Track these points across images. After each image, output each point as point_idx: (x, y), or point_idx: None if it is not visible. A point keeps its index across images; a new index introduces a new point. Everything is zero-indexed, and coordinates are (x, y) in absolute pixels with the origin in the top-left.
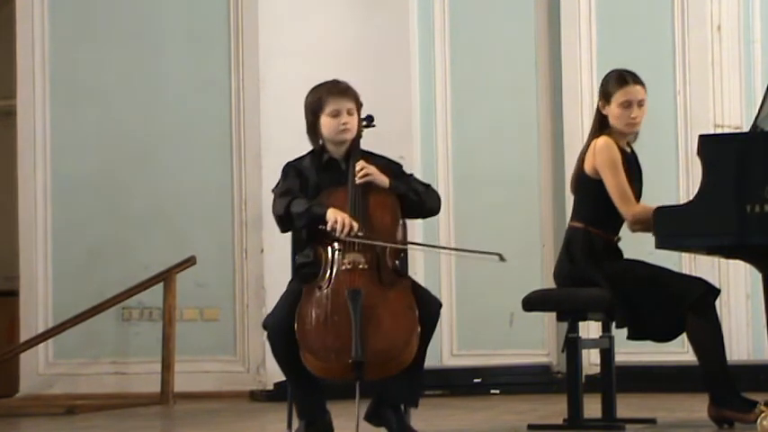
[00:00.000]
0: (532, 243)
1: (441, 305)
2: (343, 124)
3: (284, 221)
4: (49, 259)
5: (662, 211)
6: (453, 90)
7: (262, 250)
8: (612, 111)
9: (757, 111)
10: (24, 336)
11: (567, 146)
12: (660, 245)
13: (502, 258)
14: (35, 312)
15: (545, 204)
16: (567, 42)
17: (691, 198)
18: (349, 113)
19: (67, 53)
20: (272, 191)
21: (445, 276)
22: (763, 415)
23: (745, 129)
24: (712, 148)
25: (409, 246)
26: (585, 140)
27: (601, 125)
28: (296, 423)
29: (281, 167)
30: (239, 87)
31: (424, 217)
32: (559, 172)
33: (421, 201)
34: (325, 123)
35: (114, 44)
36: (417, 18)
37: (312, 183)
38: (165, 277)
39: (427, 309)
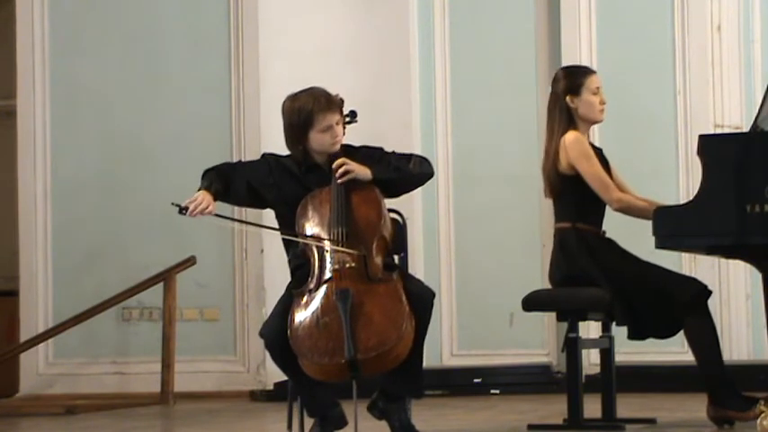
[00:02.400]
0: (532, 243)
1: (434, 294)
2: (334, 137)
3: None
4: (49, 259)
5: (662, 211)
6: (453, 90)
7: (262, 250)
8: (585, 100)
9: (757, 111)
10: (24, 336)
11: None
12: (660, 245)
13: (337, 245)
14: (35, 312)
15: (545, 204)
16: (566, 42)
17: (691, 198)
18: (337, 125)
19: (67, 53)
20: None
21: (445, 276)
22: (762, 415)
23: (745, 129)
24: (712, 148)
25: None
26: (548, 141)
27: (567, 122)
28: (296, 423)
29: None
30: (239, 88)
31: (420, 185)
32: None
33: (406, 175)
34: (316, 139)
35: (114, 45)
36: (417, 18)
37: (289, 182)
38: (165, 277)
39: (420, 300)
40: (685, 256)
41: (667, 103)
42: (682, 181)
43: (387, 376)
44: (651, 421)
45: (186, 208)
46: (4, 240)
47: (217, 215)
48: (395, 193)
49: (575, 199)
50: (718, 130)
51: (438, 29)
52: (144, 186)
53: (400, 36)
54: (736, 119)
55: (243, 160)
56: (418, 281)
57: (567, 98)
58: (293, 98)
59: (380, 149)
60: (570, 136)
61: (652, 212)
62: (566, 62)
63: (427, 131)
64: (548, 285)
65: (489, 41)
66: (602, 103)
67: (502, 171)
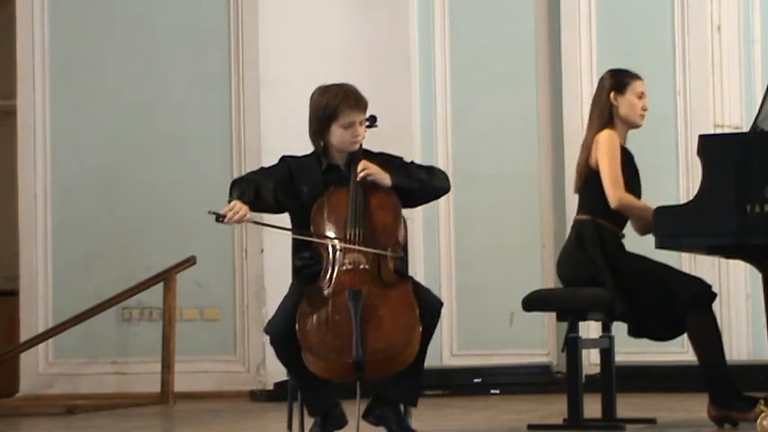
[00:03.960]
0: (532, 243)
1: (442, 304)
2: (355, 136)
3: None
4: (49, 259)
5: (662, 211)
6: (453, 90)
7: (262, 250)
8: (628, 100)
9: (757, 111)
10: (24, 336)
11: (567, 146)
12: (660, 245)
13: (396, 255)
14: (35, 312)
15: (545, 204)
16: (566, 42)
17: (691, 198)
18: (360, 124)
19: (67, 53)
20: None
21: (445, 276)
22: (763, 415)
23: (745, 129)
24: (712, 148)
25: (304, 238)
26: (587, 134)
27: (607, 119)
28: (296, 423)
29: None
30: (239, 87)
31: (437, 198)
32: (559, 171)
33: (425, 187)
34: (337, 134)
35: (114, 44)
36: (417, 18)
37: (311, 183)
38: (165, 277)
39: (428, 308)
40: (685, 255)
41: (667, 103)
42: (682, 181)
43: (386, 381)
44: (651, 421)
45: (224, 216)
46: (4, 240)
47: (254, 222)
48: (411, 203)
49: (599, 194)
50: (719, 130)
51: (438, 29)
52: (144, 186)
53: (400, 36)
54: (736, 119)
55: (265, 166)
56: (427, 290)
57: (611, 95)
58: (323, 90)
59: (400, 158)
60: (605, 133)
61: (649, 217)
62: (566, 62)
63: (427, 131)
64: (547, 285)
65: (489, 41)
66: (644, 109)
67: (502, 171)
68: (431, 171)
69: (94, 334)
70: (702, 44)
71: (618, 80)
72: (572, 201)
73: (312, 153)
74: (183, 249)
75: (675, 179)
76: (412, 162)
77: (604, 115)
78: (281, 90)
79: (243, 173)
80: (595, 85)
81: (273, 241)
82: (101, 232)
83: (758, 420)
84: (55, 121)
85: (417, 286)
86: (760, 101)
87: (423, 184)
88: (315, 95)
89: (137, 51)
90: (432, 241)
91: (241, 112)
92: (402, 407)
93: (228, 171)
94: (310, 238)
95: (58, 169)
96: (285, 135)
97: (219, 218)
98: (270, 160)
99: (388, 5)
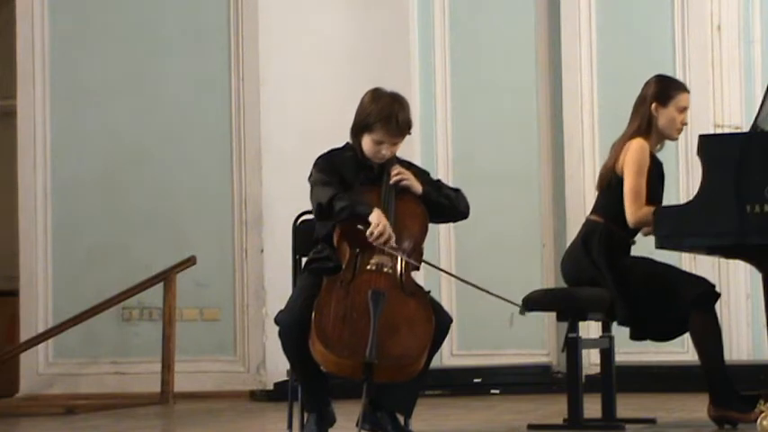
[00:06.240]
0: (532, 243)
1: (452, 321)
2: (381, 153)
3: (323, 211)
4: (49, 259)
5: (662, 211)
6: (453, 90)
7: (262, 250)
8: (669, 113)
9: (757, 111)
10: (24, 336)
11: (567, 145)
12: (660, 245)
13: (522, 312)
14: (35, 312)
15: (545, 204)
16: (566, 42)
17: (691, 198)
18: (392, 145)
19: (67, 53)
20: (309, 180)
21: (445, 276)
22: (763, 415)
23: (745, 129)
24: (712, 148)
25: (429, 267)
26: (622, 135)
27: (644, 128)
28: (296, 423)
29: (315, 160)
30: (239, 87)
31: (455, 221)
32: (559, 171)
33: (452, 206)
34: (366, 143)
35: (114, 44)
36: (417, 18)
37: (346, 178)
38: (165, 277)
39: (440, 324)
40: (685, 255)
41: None
42: (682, 181)
43: (385, 389)
44: (651, 421)
45: (371, 234)
46: (4, 240)
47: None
48: (431, 220)
49: (618, 201)
50: (719, 130)
51: (438, 29)
52: (144, 186)
53: (400, 36)
54: (737, 119)
55: (311, 177)
56: (439, 305)
57: (653, 105)
58: (375, 98)
59: (428, 173)
60: (637, 143)
61: None
62: (566, 62)
63: (427, 132)
64: (547, 285)
65: (489, 41)
66: (684, 123)
67: (502, 171)
68: (458, 193)
69: (94, 334)
70: (702, 44)
71: (663, 91)
72: (572, 201)
73: (349, 146)
74: (183, 249)
75: (675, 179)
76: (439, 180)
77: (643, 123)
78: (281, 90)
79: (243, 173)
80: (595, 85)
81: (273, 241)
82: (101, 232)
83: (758, 420)
84: (55, 121)
85: (431, 301)
86: (760, 101)
87: (450, 201)
88: (366, 97)
89: (137, 51)
90: (432, 241)
91: (241, 112)
92: (403, 418)
93: (228, 171)
94: (395, 251)
95: (57, 169)
96: (285, 135)
97: (369, 235)
98: (270, 160)
99: (389, 5)
